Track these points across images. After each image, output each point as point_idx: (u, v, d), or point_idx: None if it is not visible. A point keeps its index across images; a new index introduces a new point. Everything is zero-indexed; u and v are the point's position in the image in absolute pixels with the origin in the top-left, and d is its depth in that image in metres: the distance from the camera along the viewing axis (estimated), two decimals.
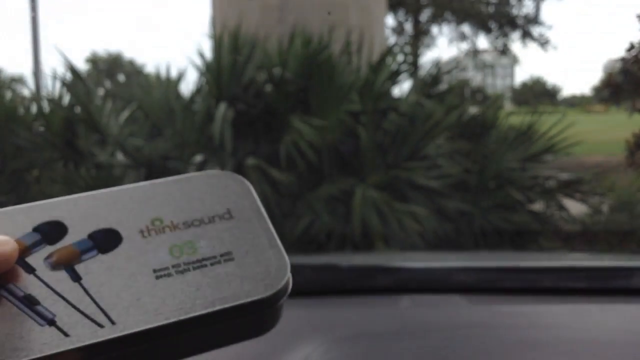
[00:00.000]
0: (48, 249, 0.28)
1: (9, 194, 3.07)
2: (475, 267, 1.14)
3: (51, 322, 0.26)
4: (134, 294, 0.27)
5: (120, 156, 2.99)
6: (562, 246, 3.13)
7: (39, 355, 0.24)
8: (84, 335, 0.25)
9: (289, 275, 0.30)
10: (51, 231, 0.29)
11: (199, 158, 2.86)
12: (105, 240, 0.29)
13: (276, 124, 3.01)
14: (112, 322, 0.26)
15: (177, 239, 0.29)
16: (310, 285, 1.07)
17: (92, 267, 0.28)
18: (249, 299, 0.28)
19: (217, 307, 0.27)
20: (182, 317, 0.27)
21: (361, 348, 0.82)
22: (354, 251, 2.68)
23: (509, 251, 2.91)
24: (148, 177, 2.89)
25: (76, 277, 0.27)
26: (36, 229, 0.28)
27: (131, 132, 3.13)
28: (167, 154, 2.99)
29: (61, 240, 0.28)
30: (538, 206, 3.22)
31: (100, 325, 0.26)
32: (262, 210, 0.32)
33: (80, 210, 0.30)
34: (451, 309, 0.97)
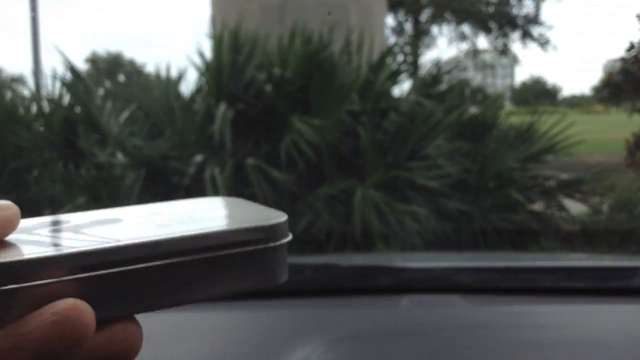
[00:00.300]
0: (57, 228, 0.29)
1: (9, 193, 3.07)
2: (475, 267, 1.14)
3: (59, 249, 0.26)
4: (135, 233, 0.28)
5: (120, 156, 2.99)
6: (562, 246, 3.13)
7: (57, 253, 0.25)
8: (95, 245, 0.26)
9: (286, 218, 0.31)
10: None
11: (199, 158, 2.86)
12: (110, 221, 0.30)
13: (276, 124, 3.01)
14: (118, 240, 0.26)
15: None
16: (310, 285, 1.07)
17: (94, 227, 0.29)
18: (254, 224, 0.29)
19: (217, 229, 0.28)
20: (184, 234, 0.27)
21: (361, 348, 0.82)
22: (354, 251, 2.68)
23: (509, 251, 2.91)
24: (148, 177, 2.90)
25: (77, 230, 0.28)
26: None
27: (131, 132, 3.13)
28: (167, 154, 2.99)
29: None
30: (538, 206, 3.22)
31: (107, 242, 0.26)
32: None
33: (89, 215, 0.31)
34: (451, 309, 0.97)
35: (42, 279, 0.24)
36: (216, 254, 0.28)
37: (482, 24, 12.92)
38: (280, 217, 0.31)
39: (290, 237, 0.31)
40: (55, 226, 0.29)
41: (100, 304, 0.25)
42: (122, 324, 0.27)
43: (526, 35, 12.69)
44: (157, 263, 0.26)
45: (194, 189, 2.76)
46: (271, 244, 0.30)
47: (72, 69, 3.38)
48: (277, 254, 0.30)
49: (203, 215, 0.31)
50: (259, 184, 2.72)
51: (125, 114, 3.24)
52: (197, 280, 0.28)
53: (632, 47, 4.02)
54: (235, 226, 0.29)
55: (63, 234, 0.28)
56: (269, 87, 3.04)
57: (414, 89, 3.34)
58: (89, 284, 0.25)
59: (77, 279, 0.25)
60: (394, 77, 3.31)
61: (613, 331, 0.88)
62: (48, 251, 0.25)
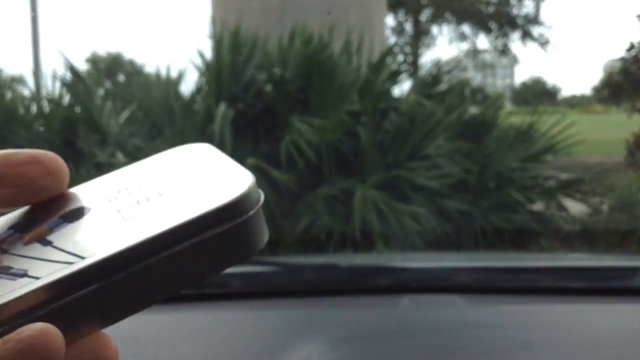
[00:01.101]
0: (20, 236, 0.28)
1: None
2: (475, 267, 1.14)
3: (23, 275, 0.25)
4: (101, 234, 0.27)
5: (120, 156, 2.99)
6: (562, 246, 3.13)
7: (10, 298, 0.24)
8: (54, 274, 0.25)
9: (254, 182, 0.29)
10: (21, 221, 0.28)
11: None
12: (75, 214, 0.29)
13: (276, 124, 3.01)
14: (82, 257, 0.25)
15: (145, 194, 0.29)
16: (310, 285, 1.07)
17: (62, 232, 0.28)
18: (221, 203, 0.27)
19: (190, 216, 0.27)
20: (155, 233, 0.26)
21: (361, 348, 0.82)
22: (354, 251, 2.68)
23: (509, 251, 2.91)
24: None
25: (46, 243, 0.27)
26: (11, 227, 0.28)
27: (131, 132, 3.13)
28: None
29: (33, 228, 0.28)
30: (538, 206, 3.22)
31: (69, 263, 0.25)
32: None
33: (51, 202, 0.30)
34: (451, 309, 0.97)
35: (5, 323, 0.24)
36: (186, 245, 0.26)
37: (482, 24, 12.91)
38: (247, 181, 0.29)
39: (262, 198, 0.29)
40: (21, 232, 0.28)
41: (68, 326, 0.24)
42: (90, 336, 0.25)
43: (526, 35, 12.69)
44: (124, 273, 0.25)
45: None
46: (245, 216, 0.28)
47: (72, 69, 3.38)
48: (254, 221, 0.28)
49: (170, 188, 0.29)
50: (259, 183, 2.71)
51: (125, 114, 3.24)
52: (170, 276, 0.27)
53: (632, 47, 4.02)
54: (202, 210, 0.27)
55: (31, 251, 0.27)
56: (269, 87, 3.04)
57: (414, 89, 3.34)
58: (57, 310, 0.24)
59: (44, 312, 0.24)
60: (394, 77, 3.31)
61: (613, 331, 0.88)
62: (11, 290, 0.24)
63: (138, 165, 0.32)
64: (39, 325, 0.23)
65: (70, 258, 0.25)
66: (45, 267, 0.25)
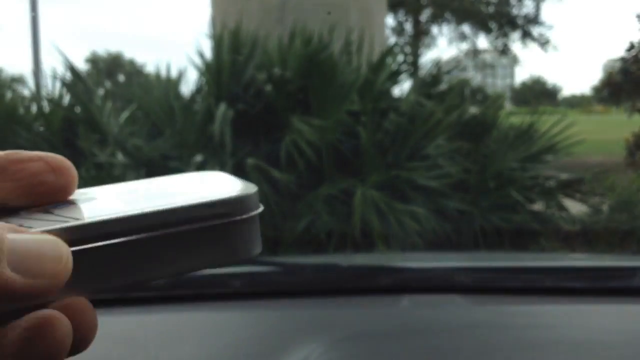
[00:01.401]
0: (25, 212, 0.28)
1: None
2: (475, 267, 1.14)
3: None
4: (100, 211, 0.27)
5: (120, 156, 2.99)
6: (562, 246, 3.13)
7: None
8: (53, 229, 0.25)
9: (256, 189, 0.30)
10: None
11: (199, 158, 2.86)
12: (81, 201, 0.29)
13: (276, 124, 3.01)
14: (76, 219, 0.26)
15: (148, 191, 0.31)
16: (310, 285, 1.07)
17: (64, 207, 0.28)
18: (222, 196, 0.28)
19: (185, 203, 0.27)
20: (149, 210, 0.27)
21: (361, 348, 0.82)
22: (354, 251, 2.68)
23: (509, 251, 2.91)
24: (148, 177, 2.90)
25: (47, 211, 0.27)
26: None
27: (131, 132, 3.13)
28: (167, 154, 2.99)
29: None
30: (538, 206, 3.22)
31: (66, 221, 0.26)
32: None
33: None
34: (451, 309, 0.97)
35: None
36: (176, 230, 0.27)
37: (482, 24, 12.91)
38: (249, 189, 0.30)
39: (260, 209, 0.30)
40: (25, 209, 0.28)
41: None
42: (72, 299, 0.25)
43: (526, 35, 12.69)
44: (114, 241, 0.26)
45: None
46: (237, 217, 0.28)
47: (72, 69, 3.38)
48: (245, 227, 0.29)
49: (175, 190, 0.30)
50: (259, 184, 2.71)
51: (125, 114, 3.24)
52: (157, 258, 0.27)
53: (632, 47, 4.02)
54: (196, 200, 0.28)
55: (33, 215, 0.27)
56: (269, 87, 3.04)
57: (414, 89, 3.34)
58: None
59: None
60: (394, 77, 3.31)
61: (613, 331, 0.88)
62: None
63: (158, 178, 0.33)
64: (47, 313, 0.23)
65: (68, 220, 0.26)
66: (44, 224, 0.26)
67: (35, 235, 0.24)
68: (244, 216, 0.29)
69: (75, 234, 0.25)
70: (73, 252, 0.25)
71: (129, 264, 0.27)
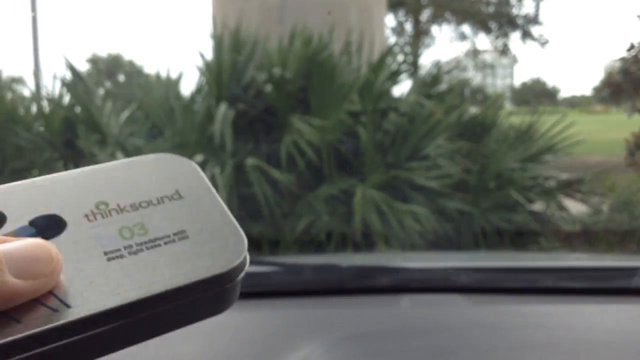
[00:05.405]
0: None
1: None
2: (475, 267, 1.14)
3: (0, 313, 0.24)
4: (85, 277, 0.26)
5: (120, 156, 2.99)
6: (562, 246, 3.13)
7: None
8: (37, 321, 0.24)
9: (246, 250, 0.29)
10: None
11: (199, 158, 2.86)
12: (48, 226, 0.27)
13: (276, 124, 3.01)
14: (67, 306, 0.25)
15: (126, 221, 0.28)
16: (310, 285, 1.07)
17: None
18: (209, 274, 0.27)
19: (177, 285, 0.26)
20: (140, 297, 0.26)
21: (361, 348, 0.82)
22: (354, 251, 2.68)
23: (509, 251, 2.91)
24: None
25: None
26: None
27: (131, 132, 3.13)
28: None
29: None
30: (538, 206, 3.22)
31: (54, 310, 0.24)
32: (212, 189, 0.31)
33: (18, 198, 0.28)
34: (451, 309, 0.97)
35: None
36: (166, 308, 0.26)
37: (482, 24, 12.91)
38: (239, 249, 0.28)
39: (245, 270, 0.29)
40: None
41: None
42: None
43: (526, 35, 12.69)
44: (107, 327, 0.25)
45: None
46: (230, 284, 0.28)
47: (72, 69, 3.38)
48: (232, 290, 0.28)
49: (153, 228, 0.28)
50: (259, 184, 2.72)
51: (125, 114, 3.24)
52: (142, 332, 0.27)
53: (632, 47, 4.02)
54: (192, 278, 0.27)
55: None
56: (269, 88, 3.04)
57: (414, 89, 3.34)
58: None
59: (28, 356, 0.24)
60: (394, 77, 3.31)
61: (613, 331, 0.88)
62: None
63: (109, 169, 0.31)
64: None
65: (53, 301, 0.25)
66: (25, 304, 0.24)
67: (23, 241, 0.25)
68: (238, 278, 0.28)
69: (67, 330, 0.24)
70: (65, 344, 0.24)
71: (113, 342, 0.26)
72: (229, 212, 0.30)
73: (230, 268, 0.28)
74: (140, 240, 0.28)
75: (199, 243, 0.28)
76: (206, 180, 0.31)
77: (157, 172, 0.31)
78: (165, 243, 0.28)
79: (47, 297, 0.25)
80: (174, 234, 0.28)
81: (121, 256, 0.27)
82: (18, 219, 0.27)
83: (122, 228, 0.28)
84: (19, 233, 0.27)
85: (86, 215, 0.28)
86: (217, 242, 0.29)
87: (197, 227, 0.29)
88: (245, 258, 0.28)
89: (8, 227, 0.27)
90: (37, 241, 0.25)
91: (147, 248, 0.27)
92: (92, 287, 0.26)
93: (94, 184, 0.30)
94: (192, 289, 0.27)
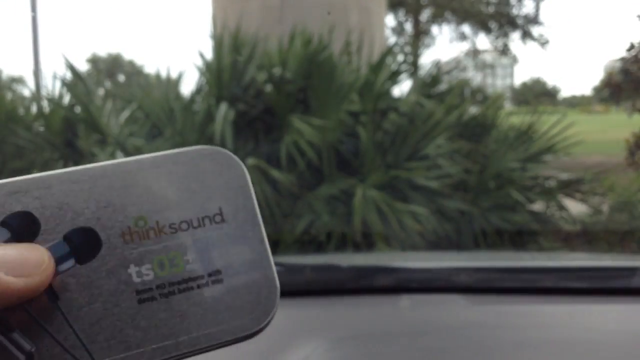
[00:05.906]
0: None
1: None
2: (475, 267, 1.14)
3: (29, 356, 0.23)
4: (115, 322, 0.25)
5: (120, 156, 2.98)
6: (562, 246, 3.13)
7: None
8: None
9: (277, 304, 0.28)
10: (21, 227, 0.25)
11: None
12: (83, 245, 0.26)
13: (276, 124, 3.01)
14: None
15: (163, 250, 0.26)
16: (310, 285, 1.07)
17: (70, 283, 0.25)
18: (234, 337, 0.27)
19: (200, 346, 0.26)
20: (164, 357, 0.25)
21: (361, 348, 0.82)
22: (354, 251, 2.68)
23: (509, 251, 2.90)
24: None
25: (53, 297, 0.25)
26: (3, 223, 0.25)
27: (131, 132, 3.13)
28: None
29: (34, 240, 0.25)
30: (538, 206, 3.22)
31: None
32: (256, 207, 0.29)
33: (53, 198, 0.26)
34: (451, 309, 0.97)
35: None
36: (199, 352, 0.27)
37: (482, 24, 12.91)
38: (269, 308, 0.28)
39: (275, 311, 0.28)
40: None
41: None
42: None
43: (526, 35, 12.69)
44: None
45: None
46: (258, 331, 0.28)
47: (72, 69, 3.38)
48: (252, 336, 0.29)
49: (191, 268, 0.27)
50: (259, 184, 2.72)
51: (125, 114, 3.24)
52: None
53: (632, 47, 4.02)
54: (217, 340, 0.27)
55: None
56: (269, 88, 3.04)
57: (414, 89, 3.34)
58: None
59: None
60: (394, 77, 3.30)
61: (613, 331, 0.88)
62: None
63: (151, 165, 0.28)
64: None
65: (80, 352, 0.24)
66: (53, 349, 0.24)
67: (15, 245, 0.26)
68: (263, 324, 0.28)
69: None
70: None
71: None
72: (268, 248, 0.29)
73: (257, 330, 0.28)
74: (173, 279, 0.26)
75: (231, 291, 0.27)
76: (251, 191, 0.29)
77: (203, 176, 0.28)
78: (199, 287, 0.27)
79: (75, 346, 0.24)
80: (209, 275, 0.27)
81: (152, 298, 0.26)
82: (52, 229, 0.26)
83: (158, 260, 0.26)
84: (54, 251, 0.26)
85: (123, 234, 0.26)
86: (251, 293, 0.28)
87: (233, 269, 0.28)
88: (274, 314, 0.28)
89: (42, 240, 0.26)
90: (27, 244, 0.26)
91: (179, 291, 0.26)
92: (120, 336, 0.25)
93: (136, 188, 0.27)
94: (215, 347, 0.27)
